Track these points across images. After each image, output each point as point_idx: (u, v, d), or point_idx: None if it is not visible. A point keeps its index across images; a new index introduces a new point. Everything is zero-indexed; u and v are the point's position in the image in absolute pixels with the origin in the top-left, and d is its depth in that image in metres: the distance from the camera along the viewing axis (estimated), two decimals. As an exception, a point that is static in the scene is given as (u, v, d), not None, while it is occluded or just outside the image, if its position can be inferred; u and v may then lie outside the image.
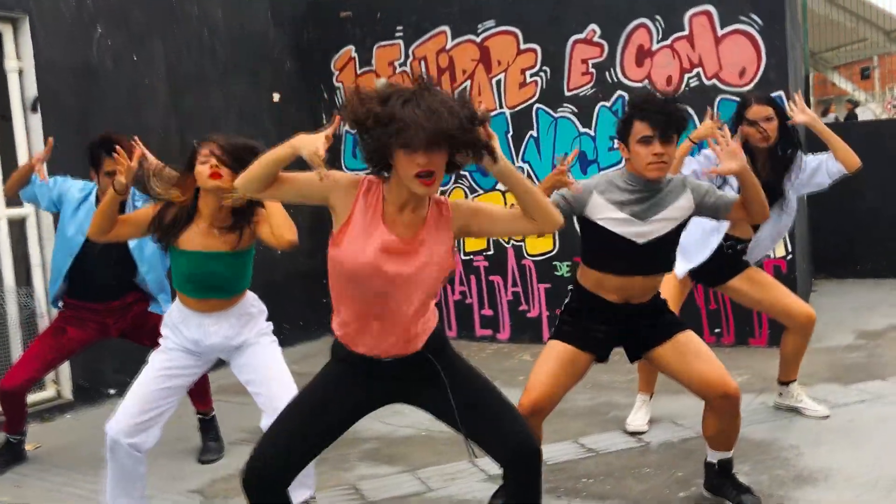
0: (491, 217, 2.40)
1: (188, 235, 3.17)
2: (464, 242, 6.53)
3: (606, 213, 3.07)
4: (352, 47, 6.84)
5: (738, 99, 5.51)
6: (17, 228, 5.20)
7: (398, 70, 6.66)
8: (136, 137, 3.57)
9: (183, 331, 3.27)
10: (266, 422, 3.14)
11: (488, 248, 6.45)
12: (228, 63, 6.33)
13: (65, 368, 5.23)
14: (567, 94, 6.02)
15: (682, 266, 4.07)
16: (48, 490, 3.89)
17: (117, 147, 3.23)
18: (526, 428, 2.44)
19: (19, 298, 5.07)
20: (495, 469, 3.75)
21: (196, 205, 3.16)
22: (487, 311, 6.50)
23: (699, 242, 4.05)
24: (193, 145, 3.18)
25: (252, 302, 3.39)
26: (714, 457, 3.23)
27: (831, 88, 22.94)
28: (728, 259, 4.09)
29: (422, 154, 2.13)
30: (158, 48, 5.84)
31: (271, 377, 3.22)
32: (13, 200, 5.09)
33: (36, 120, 5.13)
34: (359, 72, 6.83)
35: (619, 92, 5.83)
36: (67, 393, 5.26)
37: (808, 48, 9.31)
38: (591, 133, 5.95)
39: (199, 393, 4.25)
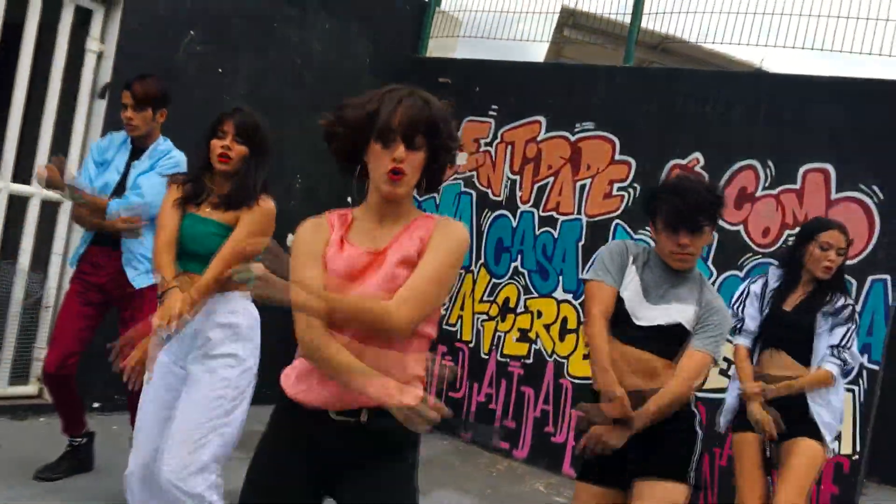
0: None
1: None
2: (504, 343, 6.06)
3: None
4: (442, 113, 6.55)
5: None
6: (51, 211, 4.91)
7: (482, 148, 6.33)
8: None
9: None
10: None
11: (528, 357, 5.96)
12: (312, 96, 6.07)
13: (54, 368, 4.87)
14: (653, 217, 5.58)
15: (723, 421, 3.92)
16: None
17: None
18: None
19: (29, 283, 4.75)
20: None
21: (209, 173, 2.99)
22: (510, 423, 5.97)
23: None
24: (220, 115, 3.01)
25: (243, 313, 2.93)
26: None
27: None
28: (791, 412, 3.62)
29: (398, 146, 1.93)
30: (246, 65, 5.62)
31: (190, 435, 2.76)
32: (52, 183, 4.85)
33: (100, 105, 4.91)
34: (442, 140, 6.51)
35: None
36: (49, 395, 4.89)
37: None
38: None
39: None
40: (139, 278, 3.74)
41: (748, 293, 3.88)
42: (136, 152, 3.88)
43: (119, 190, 3.79)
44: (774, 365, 3.71)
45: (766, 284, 3.85)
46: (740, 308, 3.86)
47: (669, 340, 2.79)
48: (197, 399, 2.77)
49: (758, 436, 3.68)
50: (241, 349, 2.90)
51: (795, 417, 3.60)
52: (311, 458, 1.95)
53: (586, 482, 2.86)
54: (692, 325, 2.80)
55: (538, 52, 8.05)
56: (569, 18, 9.79)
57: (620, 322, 2.83)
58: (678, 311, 2.79)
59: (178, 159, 3.81)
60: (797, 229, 5.06)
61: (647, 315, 2.80)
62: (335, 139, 2.04)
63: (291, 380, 1.99)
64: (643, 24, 6.21)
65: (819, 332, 3.62)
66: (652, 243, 2.97)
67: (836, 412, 3.70)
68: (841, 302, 3.67)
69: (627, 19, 6.26)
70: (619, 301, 2.83)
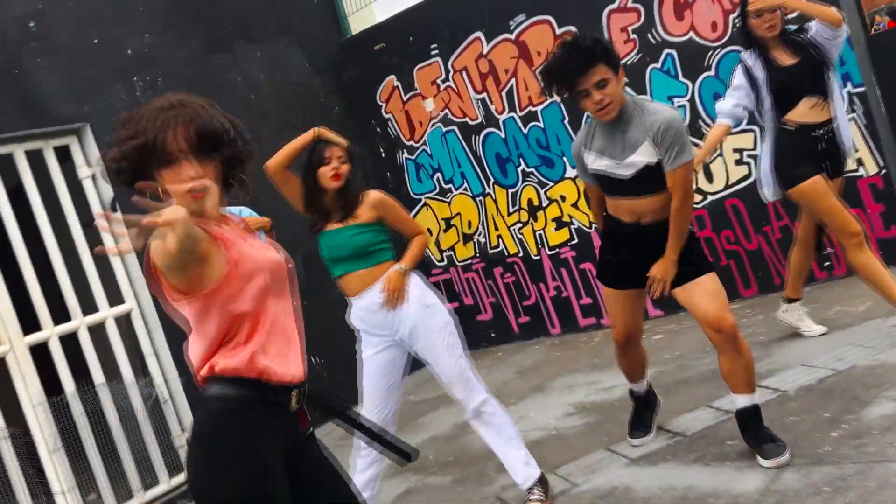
0: None
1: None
2: (547, 237, 6.48)
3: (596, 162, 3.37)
4: (393, 77, 6.92)
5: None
6: (125, 323, 5.40)
7: (442, 87, 6.69)
8: None
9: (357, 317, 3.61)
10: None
11: (572, 238, 6.38)
12: (279, 119, 6.47)
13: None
14: (614, 66, 5.93)
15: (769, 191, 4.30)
16: None
17: None
18: None
19: (141, 390, 5.26)
20: (635, 452, 3.69)
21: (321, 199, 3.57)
22: (586, 300, 6.42)
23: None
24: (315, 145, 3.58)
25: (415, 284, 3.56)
26: (736, 402, 3.30)
27: (881, -2, 21.81)
28: (827, 154, 4.10)
29: (189, 163, 1.78)
30: (213, 123, 6.02)
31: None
32: (115, 298, 5.32)
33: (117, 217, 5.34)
34: (405, 98, 6.90)
35: (667, 50, 5.71)
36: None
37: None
38: (648, 98, 5.83)
39: None
40: None
41: (736, 83, 4.19)
42: None
43: None
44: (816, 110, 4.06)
45: (747, 69, 4.15)
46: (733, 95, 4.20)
47: (650, 178, 3.27)
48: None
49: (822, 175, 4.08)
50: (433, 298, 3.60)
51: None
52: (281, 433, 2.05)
53: (609, 287, 3.61)
54: (655, 154, 3.22)
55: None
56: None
57: (612, 185, 3.39)
58: (639, 155, 3.23)
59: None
60: (738, 10, 5.44)
61: (621, 172, 3.29)
62: (120, 175, 1.83)
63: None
64: None
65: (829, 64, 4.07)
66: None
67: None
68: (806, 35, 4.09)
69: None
70: (602, 174, 3.39)
